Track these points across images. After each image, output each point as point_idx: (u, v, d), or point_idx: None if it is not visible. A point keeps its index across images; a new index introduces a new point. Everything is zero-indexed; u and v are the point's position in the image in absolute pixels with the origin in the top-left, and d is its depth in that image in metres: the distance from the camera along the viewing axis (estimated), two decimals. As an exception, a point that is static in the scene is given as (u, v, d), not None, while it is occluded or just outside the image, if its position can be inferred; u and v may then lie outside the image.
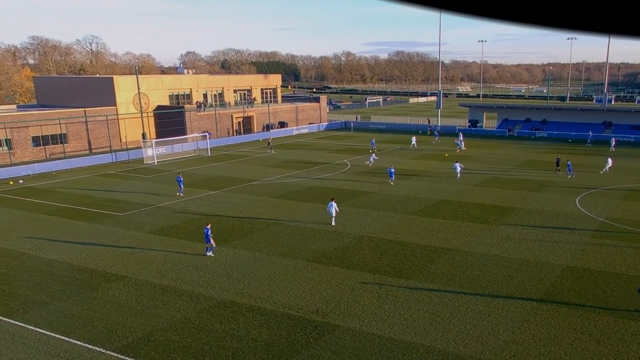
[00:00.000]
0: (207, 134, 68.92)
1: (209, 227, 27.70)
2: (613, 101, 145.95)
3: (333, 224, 33.02)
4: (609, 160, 50.01)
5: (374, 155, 56.23)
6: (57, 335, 19.30)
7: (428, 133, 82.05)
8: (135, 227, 33.45)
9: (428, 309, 20.99)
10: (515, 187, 43.78)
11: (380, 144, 70.89)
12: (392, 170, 45.84)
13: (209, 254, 27.73)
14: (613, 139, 66.23)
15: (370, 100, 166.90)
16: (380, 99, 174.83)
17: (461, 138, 68.68)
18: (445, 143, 70.28)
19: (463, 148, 65.80)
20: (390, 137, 79.22)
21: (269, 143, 68.43)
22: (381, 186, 44.30)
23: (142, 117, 67.15)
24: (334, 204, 33.33)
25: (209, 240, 27.36)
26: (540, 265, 25.67)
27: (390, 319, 20.19)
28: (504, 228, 32.20)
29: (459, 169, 47.51)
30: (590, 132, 72.65)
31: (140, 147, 62.71)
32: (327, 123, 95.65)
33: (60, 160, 57.24)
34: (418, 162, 56.26)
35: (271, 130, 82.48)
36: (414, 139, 68.79)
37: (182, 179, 42.65)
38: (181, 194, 41.70)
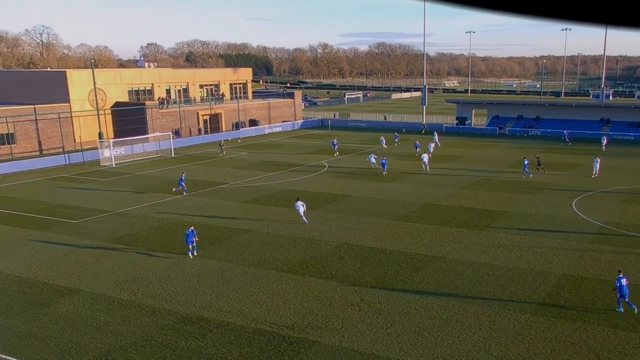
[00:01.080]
0: (175, 132, 68.21)
1: (192, 228, 28.99)
2: (611, 97, 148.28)
3: (306, 221, 34.21)
4: (597, 160, 49.94)
5: (373, 155, 54.46)
6: (4, 356, 18.93)
7: (422, 132, 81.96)
8: (91, 236, 33.05)
9: (414, 323, 21.07)
10: (507, 189, 44.21)
11: (362, 145, 71.18)
12: (384, 160, 50.40)
13: (193, 254, 28.69)
14: (604, 138, 66.63)
15: (350, 96, 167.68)
16: (360, 95, 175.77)
17: (436, 139, 68.41)
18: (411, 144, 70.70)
19: (438, 144, 66.76)
20: (373, 137, 79.29)
21: (221, 145, 65.46)
22: (362, 189, 44.43)
23: (98, 114, 66.39)
24: (301, 203, 34.59)
25: (191, 242, 28.46)
26: (535, 274, 25.93)
27: (372, 333, 20.23)
28: (495, 234, 32.49)
29: (426, 159, 52.11)
30: (564, 131, 72.02)
31: (97, 148, 61.98)
32: (302, 121, 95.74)
33: (7, 163, 56.33)
34: (403, 163, 56.33)
35: (241, 129, 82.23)
36: (383, 139, 68.34)
37: (183, 177, 44.12)
38: (181, 191, 43.31)
